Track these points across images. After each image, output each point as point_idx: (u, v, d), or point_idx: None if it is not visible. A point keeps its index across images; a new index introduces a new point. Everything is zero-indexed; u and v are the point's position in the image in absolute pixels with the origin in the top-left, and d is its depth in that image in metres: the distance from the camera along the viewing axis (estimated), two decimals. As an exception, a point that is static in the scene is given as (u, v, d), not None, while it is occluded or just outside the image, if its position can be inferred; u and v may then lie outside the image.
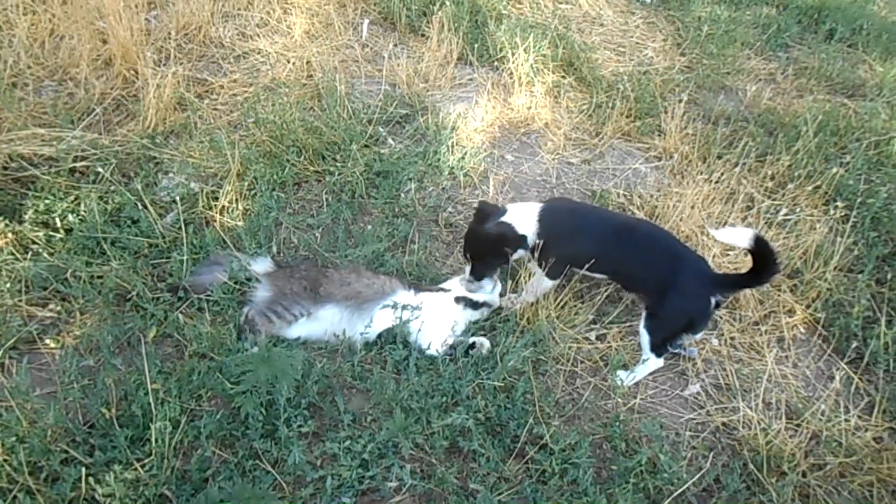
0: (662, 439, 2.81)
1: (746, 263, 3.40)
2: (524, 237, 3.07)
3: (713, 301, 2.92)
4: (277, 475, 2.45)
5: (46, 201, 3.28)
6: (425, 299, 3.05)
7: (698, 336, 3.22)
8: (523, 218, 3.08)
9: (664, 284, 2.95)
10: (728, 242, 2.74)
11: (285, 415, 2.56)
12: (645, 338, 3.01)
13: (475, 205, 3.27)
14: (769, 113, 4.86)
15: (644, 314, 3.04)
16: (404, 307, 2.95)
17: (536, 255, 3.09)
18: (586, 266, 3.11)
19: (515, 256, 3.19)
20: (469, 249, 3.14)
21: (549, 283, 3.18)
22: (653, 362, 3.06)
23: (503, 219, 3.08)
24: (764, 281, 2.90)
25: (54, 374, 2.69)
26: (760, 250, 2.74)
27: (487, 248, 3.09)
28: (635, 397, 3.01)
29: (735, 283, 3.00)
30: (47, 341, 2.81)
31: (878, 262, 3.72)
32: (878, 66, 5.66)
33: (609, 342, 3.22)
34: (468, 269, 3.14)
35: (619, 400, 2.99)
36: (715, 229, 2.85)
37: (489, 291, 3.18)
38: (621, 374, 3.07)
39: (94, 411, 2.51)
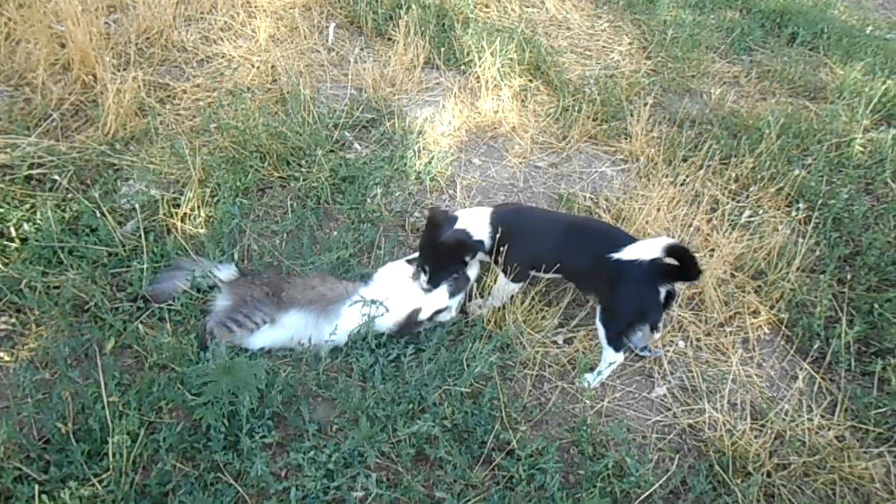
0: (629, 442, 2.82)
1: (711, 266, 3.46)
2: (481, 242, 3.07)
3: (663, 291, 2.92)
4: (240, 488, 2.41)
5: (1, 210, 3.20)
6: (384, 280, 3.08)
7: (658, 335, 3.24)
8: (476, 223, 3.08)
9: (613, 278, 2.95)
10: (641, 256, 2.82)
11: (248, 426, 2.52)
12: (601, 332, 3.03)
13: (426, 212, 3.25)
14: (733, 116, 4.91)
15: (598, 309, 3.05)
16: (372, 301, 2.91)
17: (500, 260, 3.09)
18: (544, 268, 3.10)
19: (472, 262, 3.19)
20: (426, 260, 3.08)
21: (513, 287, 3.18)
22: (612, 356, 3.04)
23: (458, 226, 3.07)
24: (690, 279, 2.96)
25: (7, 389, 2.62)
26: (678, 255, 2.79)
27: (446, 256, 3.07)
28: (602, 400, 3.02)
29: (676, 274, 2.94)
30: (1, 354, 2.74)
31: (839, 262, 3.78)
32: (839, 70, 5.76)
33: (576, 346, 3.22)
34: (423, 278, 3.08)
35: (587, 402, 3.00)
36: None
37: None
38: (588, 376, 3.08)
39: (50, 426, 2.44)
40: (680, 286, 3.35)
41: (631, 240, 3.02)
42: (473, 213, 3.14)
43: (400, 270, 3.17)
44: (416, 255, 3.20)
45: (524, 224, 3.16)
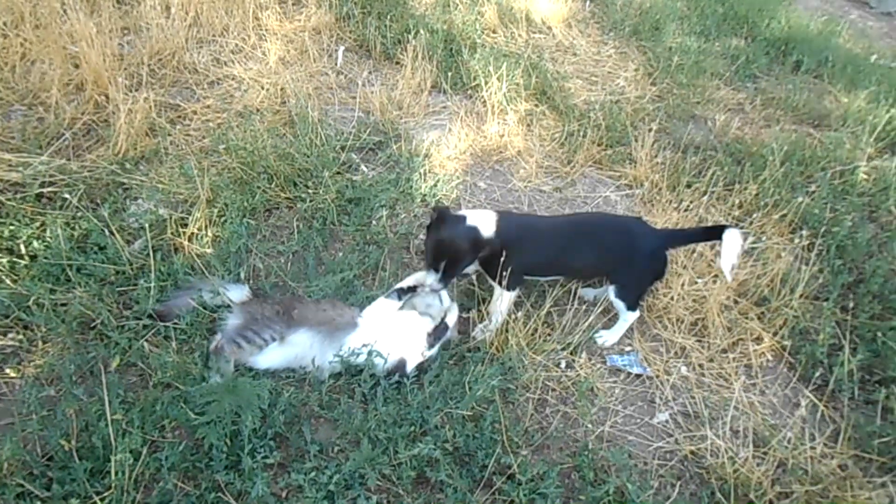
0: (630, 468, 2.81)
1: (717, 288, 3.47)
2: (490, 240, 3.05)
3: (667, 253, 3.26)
4: (240, 508, 2.41)
5: (11, 227, 3.23)
6: (385, 323, 3.05)
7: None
8: (485, 222, 3.08)
9: (625, 256, 3.19)
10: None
11: (250, 445, 2.53)
12: (619, 304, 3.28)
13: (431, 210, 3.28)
14: (737, 142, 4.95)
15: (612, 288, 3.26)
16: (371, 349, 2.92)
17: (496, 268, 3.07)
18: (544, 273, 3.32)
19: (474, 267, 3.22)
20: (439, 257, 3.02)
21: (510, 295, 3.22)
22: (631, 317, 3.34)
23: (469, 223, 3.05)
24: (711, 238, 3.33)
25: (13, 405, 2.63)
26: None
27: (460, 252, 3.03)
28: (603, 425, 3.02)
29: (685, 237, 3.46)
30: (7, 371, 2.75)
31: (842, 289, 3.78)
32: (843, 97, 5.80)
33: (577, 370, 3.23)
34: (431, 277, 3.04)
35: (589, 426, 2.99)
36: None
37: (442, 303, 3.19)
38: (603, 333, 3.40)
39: (53, 443, 2.45)
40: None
41: (624, 219, 3.39)
42: (481, 214, 3.14)
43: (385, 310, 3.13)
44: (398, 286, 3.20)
45: (527, 233, 3.21)
